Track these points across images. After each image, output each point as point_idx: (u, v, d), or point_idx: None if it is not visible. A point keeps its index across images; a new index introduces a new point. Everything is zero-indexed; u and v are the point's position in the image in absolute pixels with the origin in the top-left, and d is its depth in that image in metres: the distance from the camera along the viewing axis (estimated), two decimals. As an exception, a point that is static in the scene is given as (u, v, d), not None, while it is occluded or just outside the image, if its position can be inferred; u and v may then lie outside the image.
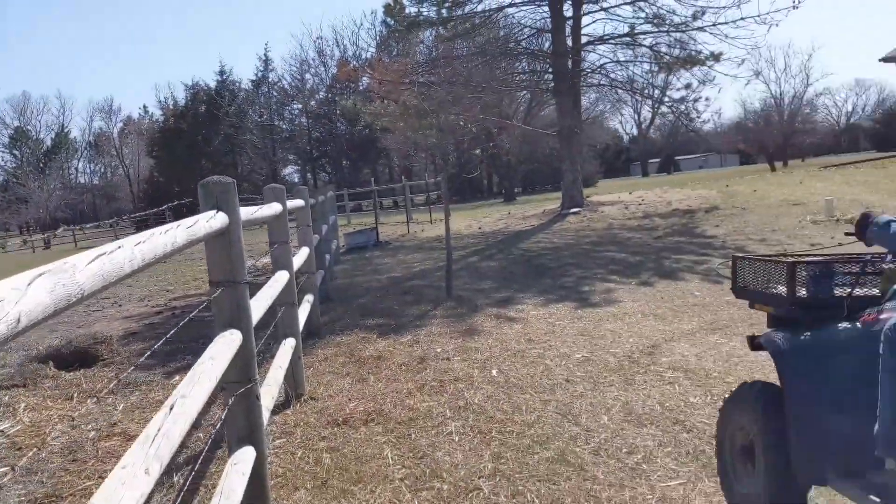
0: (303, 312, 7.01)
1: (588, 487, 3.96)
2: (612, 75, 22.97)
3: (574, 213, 19.67)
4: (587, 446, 4.53)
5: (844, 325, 3.08)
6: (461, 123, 20.79)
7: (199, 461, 4.52)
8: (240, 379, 3.32)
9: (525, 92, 32.11)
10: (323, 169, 65.59)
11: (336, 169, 63.15)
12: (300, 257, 7.29)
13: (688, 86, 21.50)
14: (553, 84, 21.94)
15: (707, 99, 26.55)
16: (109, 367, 7.81)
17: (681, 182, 31.75)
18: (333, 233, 16.04)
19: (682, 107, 22.60)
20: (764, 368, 5.33)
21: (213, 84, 63.21)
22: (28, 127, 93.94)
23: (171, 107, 66.22)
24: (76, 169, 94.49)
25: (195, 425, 5.38)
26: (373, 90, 25.93)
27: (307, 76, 63.14)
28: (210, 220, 2.99)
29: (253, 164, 62.99)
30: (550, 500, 3.84)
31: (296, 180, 68.63)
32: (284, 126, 63.68)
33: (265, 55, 64.52)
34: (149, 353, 3.63)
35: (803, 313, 3.35)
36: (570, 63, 21.39)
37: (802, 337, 3.18)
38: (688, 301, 8.82)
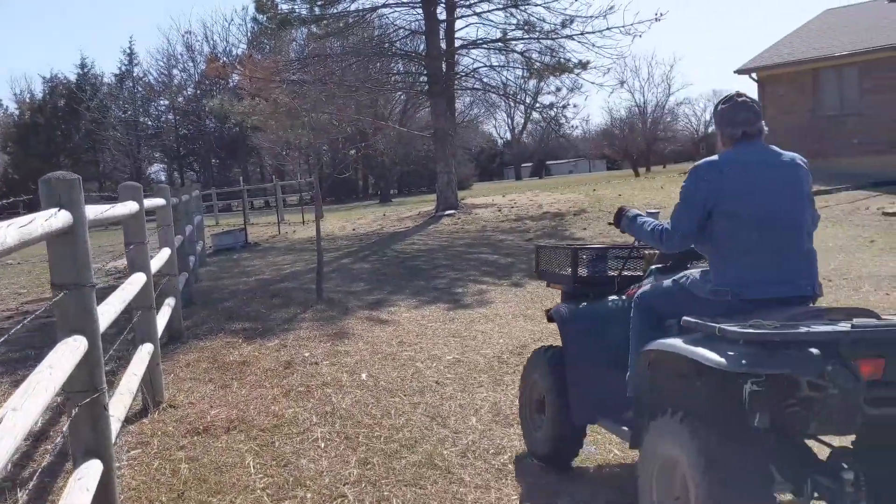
0: (162, 317, 6.70)
1: (454, 490, 3.92)
2: (485, 79, 23.26)
3: (448, 215, 19.76)
4: (454, 448, 4.50)
5: (614, 298, 4.01)
6: (335, 123, 20.50)
7: (46, 475, 4.23)
8: (85, 388, 3.10)
9: (400, 93, 32.13)
10: (191, 167, 63.46)
11: (205, 168, 61.25)
12: (160, 259, 6.96)
13: (557, 90, 21.99)
14: (428, 86, 21.97)
15: (575, 106, 27.65)
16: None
17: (552, 186, 32.48)
18: (199, 233, 15.51)
19: (552, 112, 23.16)
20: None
21: (73, 77, 60.20)
22: None
23: (27, 100, 62.61)
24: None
25: (42, 437, 5.05)
26: (243, 87, 25.26)
27: (175, 71, 60.87)
28: (50, 220, 2.77)
29: (116, 162, 60.25)
30: (417, 506, 3.78)
31: (162, 179, 66.26)
32: (150, 123, 61.18)
33: (129, 49, 61.96)
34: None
35: (584, 289, 4.22)
36: (444, 66, 21.48)
37: (580, 308, 4.08)
38: (556, 301, 8.97)
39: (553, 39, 20.51)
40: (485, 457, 4.36)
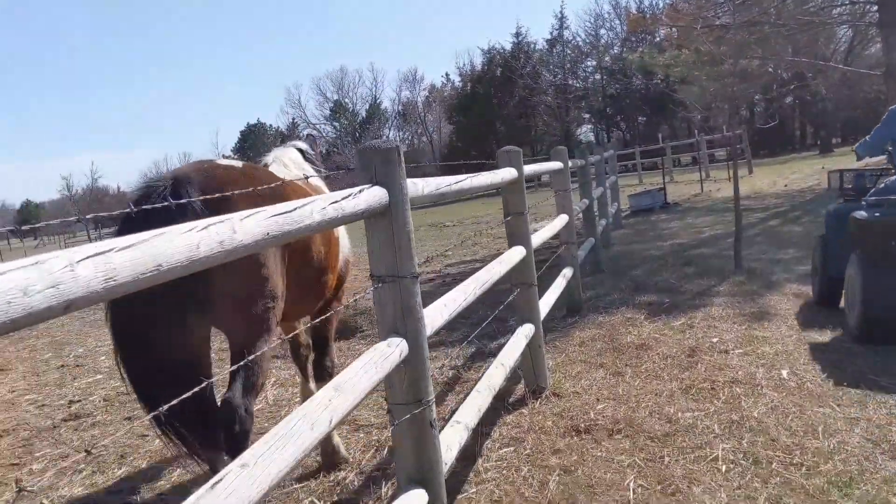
0: (555, 290, 6.16)
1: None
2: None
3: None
4: (912, 500, 3.23)
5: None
6: (769, 69, 18.50)
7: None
8: (406, 400, 2.55)
9: (845, 27, 28.25)
10: (617, 126, 63.71)
11: (631, 126, 61.06)
12: (554, 226, 6.42)
13: None
14: (879, 16, 18.78)
15: None
16: (367, 339, 7.54)
17: None
18: (614, 195, 14.96)
19: None
20: None
21: (508, 47, 63.70)
22: (346, 100, 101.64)
23: (468, 73, 67.82)
24: (387, 137, 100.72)
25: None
26: (667, 40, 24.14)
27: (602, 31, 61.47)
28: (352, 198, 2.23)
29: (547, 126, 62.75)
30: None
31: (591, 139, 67.53)
32: (578, 84, 62.54)
33: (560, 12, 63.64)
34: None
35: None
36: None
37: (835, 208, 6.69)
38: None
39: None
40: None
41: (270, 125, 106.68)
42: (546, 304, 5.60)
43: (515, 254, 4.57)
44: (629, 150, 37.12)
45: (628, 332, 6.33)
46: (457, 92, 68.84)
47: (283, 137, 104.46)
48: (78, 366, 8.26)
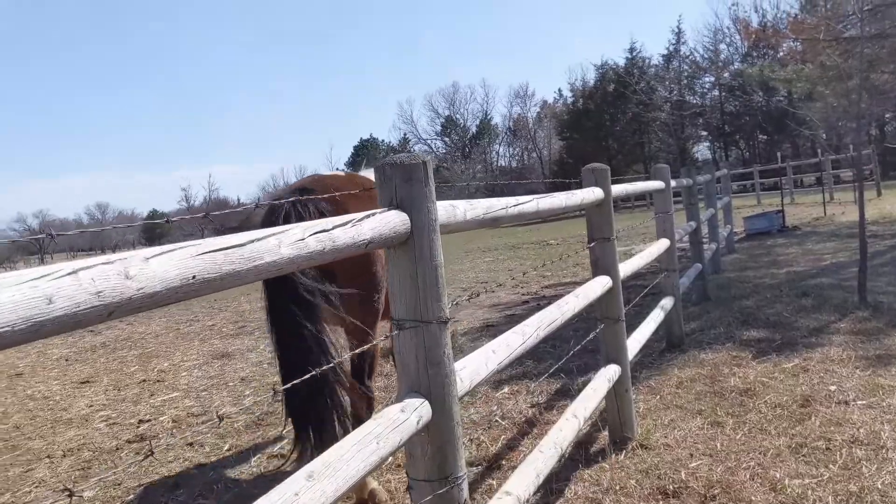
0: (650, 323, 5.57)
1: None
2: None
3: None
4: None
5: None
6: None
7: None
8: (429, 476, 2.08)
9: None
10: (735, 144, 61.40)
11: (750, 144, 58.72)
12: (650, 253, 5.83)
13: None
14: None
15: None
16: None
17: None
18: (727, 217, 14.08)
19: None
20: None
21: (622, 62, 62.49)
22: (457, 115, 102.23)
23: (580, 88, 66.90)
24: (496, 153, 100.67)
25: None
26: (790, 54, 22.87)
27: (721, 46, 59.44)
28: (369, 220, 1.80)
29: (661, 143, 61.10)
30: None
31: (708, 157, 65.43)
32: (695, 101, 60.61)
33: (677, 27, 61.95)
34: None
35: None
36: None
37: None
38: None
39: None
40: None
41: (382, 140, 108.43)
42: (638, 340, 5.03)
43: (597, 286, 4.04)
44: (748, 168, 35.50)
45: (733, 374, 5.65)
46: (568, 108, 67.99)
47: (395, 153, 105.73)
48: (159, 381, 8.15)
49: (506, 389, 6.06)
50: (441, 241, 2.09)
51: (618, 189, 4.80)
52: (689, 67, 61.30)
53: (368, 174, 5.35)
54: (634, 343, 4.91)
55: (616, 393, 4.35)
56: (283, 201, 3.90)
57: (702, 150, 66.10)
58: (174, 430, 6.09)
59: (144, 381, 8.25)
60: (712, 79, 59.48)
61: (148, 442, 5.82)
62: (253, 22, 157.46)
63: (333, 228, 1.71)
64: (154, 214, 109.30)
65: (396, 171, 2.02)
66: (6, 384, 9.03)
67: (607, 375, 4.14)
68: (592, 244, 4.35)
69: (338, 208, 3.93)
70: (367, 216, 1.86)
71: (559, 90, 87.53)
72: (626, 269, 4.69)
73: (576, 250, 15.84)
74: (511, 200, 2.81)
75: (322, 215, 4.14)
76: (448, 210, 2.20)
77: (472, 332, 8.65)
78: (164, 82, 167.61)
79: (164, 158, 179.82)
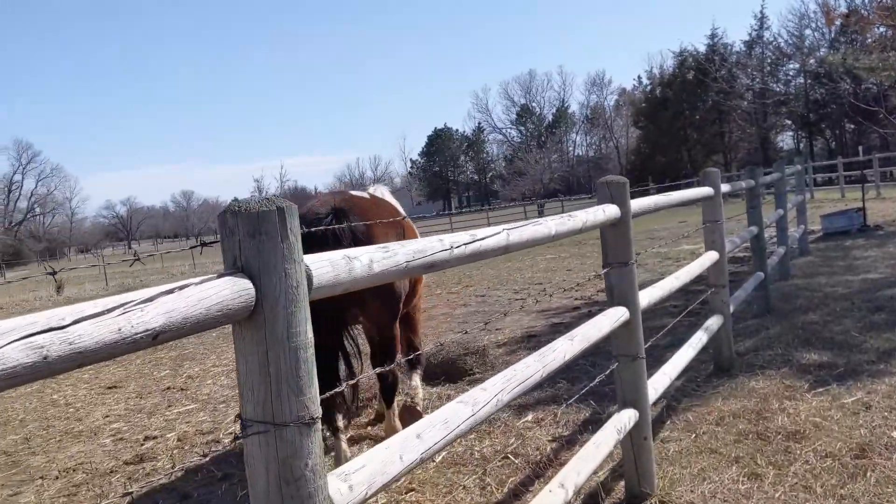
0: (687, 350, 4.97)
1: None
2: None
3: None
4: None
5: None
6: None
7: None
8: None
9: None
10: (822, 134, 58.85)
11: (837, 134, 56.19)
12: (691, 270, 5.21)
13: None
14: None
15: None
16: (472, 385, 6.59)
17: None
18: (800, 217, 13.16)
19: None
20: None
21: (702, 49, 60.55)
22: (533, 104, 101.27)
23: (657, 76, 65.13)
24: (573, 142, 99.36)
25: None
26: (879, 41, 21.46)
27: (807, 32, 56.97)
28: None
29: (742, 132, 59.00)
30: None
31: (791, 146, 63.02)
32: (779, 89, 58.28)
33: (761, 12, 59.66)
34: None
35: None
36: None
37: None
38: None
39: None
40: None
41: (457, 129, 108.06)
42: (667, 374, 4.43)
43: (605, 321, 3.47)
44: (831, 161, 33.79)
45: (782, 409, 4.97)
46: (645, 95, 66.29)
47: (470, 143, 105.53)
48: (182, 389, 7.88)
49: (529, 417, 5.52)
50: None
51: (643, 203, 4.20)
52: (773, 54, 58.97)
53: (379, 192, 5.76)
54: (663, 378, 4.32)
55: (633, 442, 3.78)
56: (319, 227, 4.36)
57: (785, 140, 63.71)
58: (177, 451, 5.75)
59: (169, 388, 8.00)
60: (797, 66, 57.13)
61: (144, 464, 5.49)
62: (342, 17, 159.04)
63: (109, 313, 1.23)
64: (235, 202, 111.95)
65: (240, 222, 1.52)
66: (38, 385, 8.90)
67: (618, 424, 3.56)
68: (606, 269, 3.78)
69: (369, 234, 4.53)
70: (184, 286, 1.37)
71: (638, 77, 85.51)
72: (648, 297, 4.10)
73: (644, 248, 15.08)
74: (461, 238, 2.27)
75: (356, 240, 4.41)
76: (336, 266, 1.69)
77: (511, 344, 8.11)
78: (251, 83, 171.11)
79: (242, 152, 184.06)
